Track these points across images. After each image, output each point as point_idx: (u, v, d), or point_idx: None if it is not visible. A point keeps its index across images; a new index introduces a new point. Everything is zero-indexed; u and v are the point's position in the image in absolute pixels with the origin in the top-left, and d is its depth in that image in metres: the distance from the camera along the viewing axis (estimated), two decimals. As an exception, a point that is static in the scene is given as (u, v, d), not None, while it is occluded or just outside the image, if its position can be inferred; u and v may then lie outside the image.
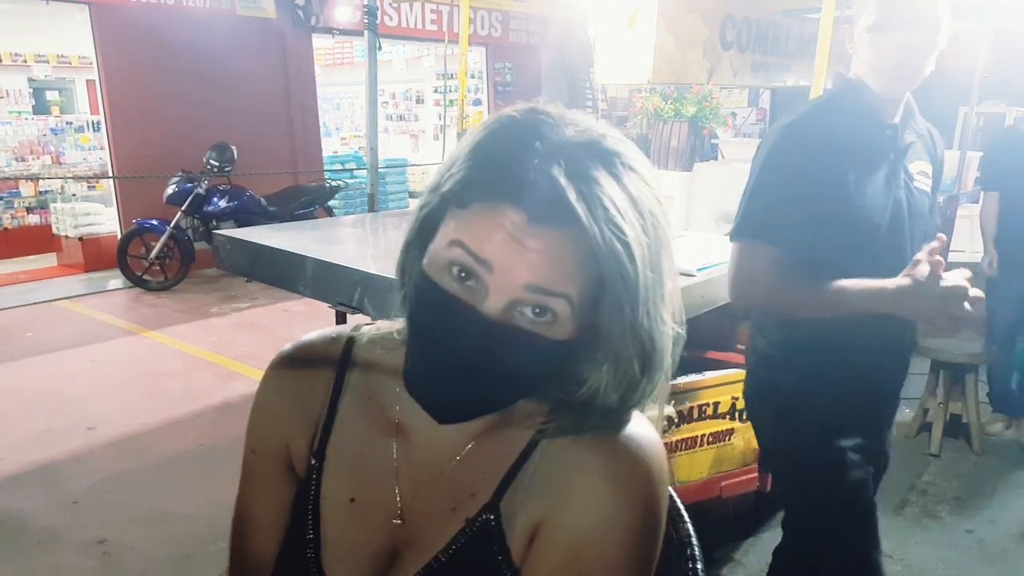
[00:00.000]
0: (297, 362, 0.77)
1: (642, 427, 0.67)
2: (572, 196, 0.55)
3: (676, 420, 2.20)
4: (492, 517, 0.67)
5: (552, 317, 0.59)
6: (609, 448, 0.65)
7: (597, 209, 0.55)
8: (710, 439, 2.30)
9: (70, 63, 9.44)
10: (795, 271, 1.36)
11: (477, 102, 9.77)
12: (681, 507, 0.85)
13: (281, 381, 0.77)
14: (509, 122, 0.60)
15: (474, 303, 0.58)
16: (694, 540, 0.83)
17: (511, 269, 0.57)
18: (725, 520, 2.78)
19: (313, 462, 0.73)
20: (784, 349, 1.52)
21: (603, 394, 0.63)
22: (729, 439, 2.33)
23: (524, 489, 0.67)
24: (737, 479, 2.38)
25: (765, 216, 1.40)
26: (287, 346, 0.79)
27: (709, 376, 2.26)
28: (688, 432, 2.24)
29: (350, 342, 0.76)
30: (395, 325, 0.74)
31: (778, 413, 1.56)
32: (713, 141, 3.51)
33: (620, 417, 0.66)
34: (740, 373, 2.32)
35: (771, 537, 2.72)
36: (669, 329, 0.63)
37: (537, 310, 0.58)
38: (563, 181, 0.55)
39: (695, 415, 2.25)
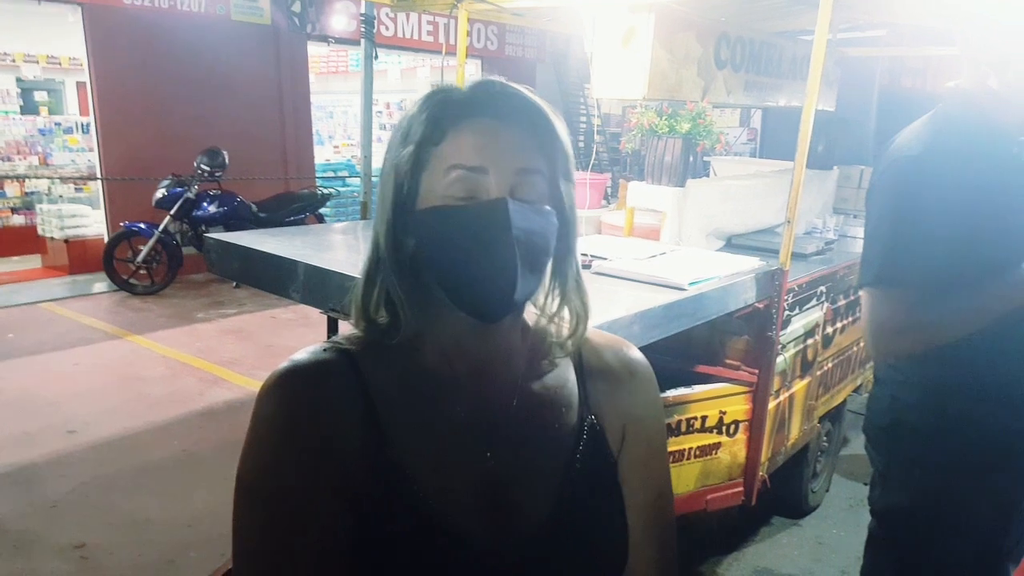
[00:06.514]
0: (308, 378, 0.72)
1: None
2: (518, 90, 0.72)
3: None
4: (594, 418, 0.80)
5: (539, 193, 0.71)
6: (625, 347, 0.86)
7: (536, 100, 0.73)
8: (697, 452, 2.30)
9: (60, 64, 9.40)
10: (930, 304, 1.31)
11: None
12: None
13: (298, 402, 0.71)
14: (435, 88, 0.74)
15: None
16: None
17: (501, 162, 0.69)
18: (710, 534, 2.79)
19: (390, 449, 0.71)
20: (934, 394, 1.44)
21: (570, 285, 0.77)
22: (715, 453, 2.34)
23: (596, 395, 0.81)
24: (722, 492, 2.39)
25: (892, 260, 1.34)
26: (285, 366, 0.72)
27: (698, 390, 2.27)
28: (675, 445, 2.25)
29: (337, 344, 0.76)
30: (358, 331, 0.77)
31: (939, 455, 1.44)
32: (705, 158, 3.55)
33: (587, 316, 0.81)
34: (728, 387, 2.35)
35: (754, 552, 2.74)
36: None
37: (531, 193, 0.70)
38: (513, 88, 0.73)
39: (683, 428, 2.26)
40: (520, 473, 0.75)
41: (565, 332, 0.79)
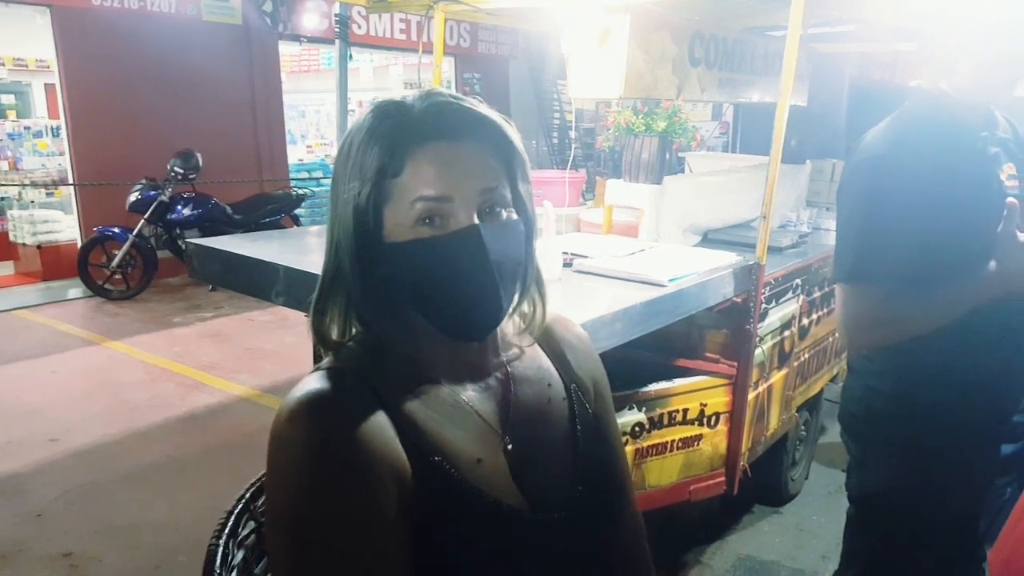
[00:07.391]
0: (332, 401, 0.70)
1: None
2: (469, 105, 0.73)
3: (647, 426, 2.25)
4: (574, 384, 0.89)
5: (505, 205, 0.74)
6: (567, 320, 0.96)
7: (487, 112, 0.74)
8: (679, 444, 2.35)
9: (27, 66, 9.21)
10: (902, 298, 1.36)
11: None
12: None
13: (329, 424, 0.68)
14: (383, 106, 0.73)
15: (456, 228, 0.71)
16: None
17: (464, 188, 0.71)
18: (692, 524, 2.85)
19: (436, 459, 0.72)
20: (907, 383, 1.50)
21: (531, 280, 0.81)
22: (698, 444, 2.39)
23: (565, 365, 0.90)
24: (705, 483, 2.44)
25: (863, 256, 1.39)
26: (302, 393, 0.70)
27: (679, 383, 2.32)
28: (658, 438, 2.29)
29: (337, 366, 0.75)
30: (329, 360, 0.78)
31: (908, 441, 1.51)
32: (680, 155, 3.60)
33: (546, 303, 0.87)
34: (708, 380, 2.40)
35: (737, 540, 2.80)
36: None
37: (497, 208, 0.73)
38: (456, 101, 0.73)
39: (665, 421, 2.30)
40: (536, 449, 0.81)
41: (525, 321, 0.87)
